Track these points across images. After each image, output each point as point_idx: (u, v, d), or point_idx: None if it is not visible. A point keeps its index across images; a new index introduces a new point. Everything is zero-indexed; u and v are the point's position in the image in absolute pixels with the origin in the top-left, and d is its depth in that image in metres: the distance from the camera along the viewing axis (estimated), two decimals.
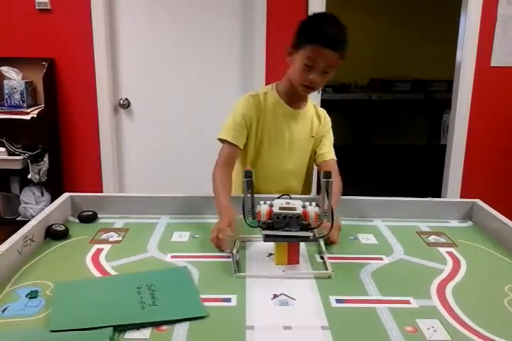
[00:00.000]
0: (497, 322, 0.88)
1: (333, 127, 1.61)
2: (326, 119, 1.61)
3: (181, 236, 1.26)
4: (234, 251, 1.13)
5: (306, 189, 1.64)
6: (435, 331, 0.84)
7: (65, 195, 1.41)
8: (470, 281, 1.04)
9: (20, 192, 2.88)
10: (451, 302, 0.94)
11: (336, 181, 1.38)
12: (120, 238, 1.25)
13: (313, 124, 1.56)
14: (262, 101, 1.50)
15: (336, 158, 1.57)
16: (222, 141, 1.47)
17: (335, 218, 1.11)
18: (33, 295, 0.94)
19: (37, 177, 2.75)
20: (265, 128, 1.51)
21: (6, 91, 2.66)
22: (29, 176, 2.72)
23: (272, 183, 1.53)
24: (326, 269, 1.07)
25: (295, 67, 1.42)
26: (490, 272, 1.10)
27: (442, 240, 1.27)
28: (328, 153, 1.56)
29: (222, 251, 1.16)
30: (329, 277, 1.04)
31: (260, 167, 1.52)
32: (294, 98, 1.52)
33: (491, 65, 2.77)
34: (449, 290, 0.99)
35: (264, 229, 1.06)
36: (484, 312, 0.92)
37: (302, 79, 1.41)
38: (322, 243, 1.18)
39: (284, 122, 1.52)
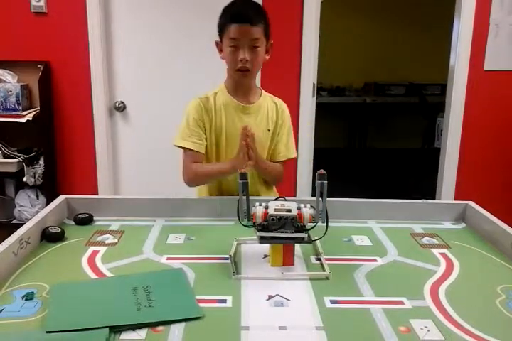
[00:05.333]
0: (489, 322, 0.89)
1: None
2: (285, 113, 1.60)
3: (177, 238, 1.27)
4: (231, 253, 1.13)
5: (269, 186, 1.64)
6: (428, 331, 0.85)
7: (61, 198, 1.42)
8: (463, 282, 1.05)
9: (16, 195, 2.87)
10: (444, 303, 0.95)
11: (278, 170, 1.57)
12: (116, 240, 1.25)
13: (269, 117, 1.56)
14: (212, 101, 1.53)
15: (292, 156, 1.60)
16: (183, 148, 1.50)
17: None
18: (29, 296, 0.94)
19: (32, 180, 2.75)
20: (219, 128, 1.52)
21: (1, 94, 2.66)
22: (24, 179, 2.72)
23: (234, 183, 1.48)
24: (323, 270, 1.08)
25: (226, 56, 1.46)
26: (482, 273, 1.11)
27: (435, 241, 1.28)
28: (281, 153, 1.58)
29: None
30: (327, 278, 1.05)
31: None
32: (242, 92, 1.54)
33: (484, 68, 2.80)
34: (442, 290, 1.00)
35: (259, 230, 1.07)
36: (477, 312, 0.93)
37: (234, 63, 1.44)
38: (319, 245, 1.19)
39: (237, 119, 1.53)
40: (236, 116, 1.52)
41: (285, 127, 1.59)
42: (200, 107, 1.52)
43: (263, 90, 1.60)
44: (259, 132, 1.52)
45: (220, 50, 1.49)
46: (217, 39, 1.49)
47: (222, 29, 1.45)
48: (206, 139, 1.52)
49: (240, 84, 1.52)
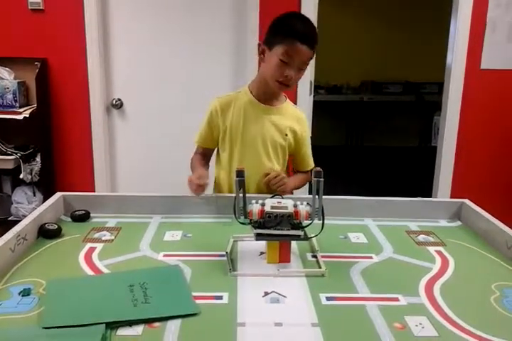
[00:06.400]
0: (483, 319, 0.90)
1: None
2: (306, 125, 1.65)
3: (174, 236, 1.27)
4: (228, 250, 1.14)
5: None
6: (423, 327, 0.86)
7: (58, 194, 1.42)
8: (458, 279, 1.06)
9: (12, 192, 2.87)
10: (439, 300, 0.96)
11: (302, 178, 1.65)
12: (113, 237, 1.26)
13: (289, 124, 1.58)
14: (233, 100, 1.55)
15: (313, 165, 1.67)
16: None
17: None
18: (25, 292, 0.94)
19: (29, 177, 2.74)
20: (236, 126, 1.54)
21: None
22: (21, 176, 2.72)
23: (251, 182, 1.52)
24: (319, 267, 1.08)
25: (270, 64, 1.45)
26: (477, 270, 1.12)
27: (431, 239, 1.29)
28: (310, 162, 1.67)
29: (197, 194, 1.38)
30: (323, 275, 1.06)
31: (236, 167, 1.54)
32: (268, 96, 1.55)
33: (481, 67, 2.80)
34: (437, 288, 1.01)
35: (255, 227, 1.07)
36: (471, 309, 0.93)
37: (278, 76, 1.44)
38: (315, 242, 1.19)
39: (257, 119, 1.54)
40: (254, 115, 1.54)
41: (308, 139, 1.66)
42: (214, 108, 1.57)
43: (287, 98, 1.62)
44: (276, 133, 1.55)
45: (262, 53, 1.48)
46: (262, 44, 1.47)
47: (279, 39, 1.41)
48: (219, 139, 1.59)
49: (269, 91, 1.53)
